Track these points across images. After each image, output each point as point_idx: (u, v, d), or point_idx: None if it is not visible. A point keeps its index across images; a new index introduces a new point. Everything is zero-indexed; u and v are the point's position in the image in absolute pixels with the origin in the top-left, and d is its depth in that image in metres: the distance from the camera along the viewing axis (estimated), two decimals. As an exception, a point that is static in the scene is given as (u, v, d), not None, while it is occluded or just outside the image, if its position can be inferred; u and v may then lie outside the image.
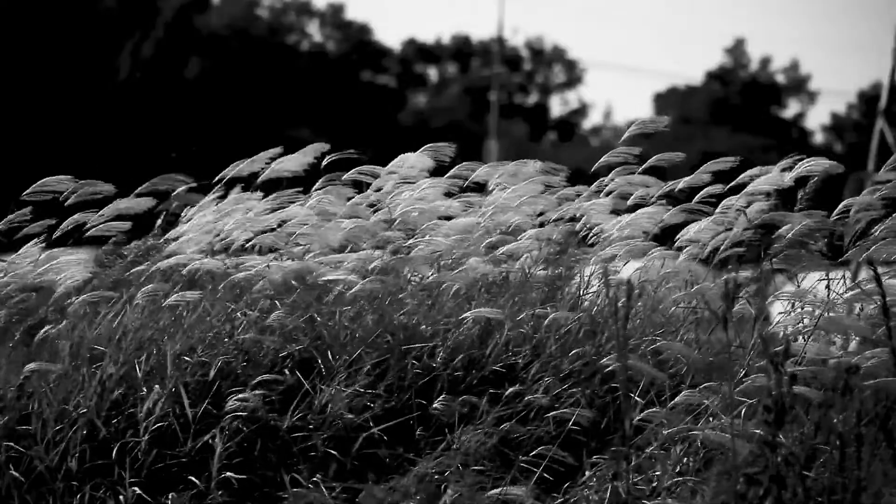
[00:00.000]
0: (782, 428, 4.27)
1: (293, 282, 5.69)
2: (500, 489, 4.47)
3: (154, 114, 41.98)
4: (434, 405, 5.14)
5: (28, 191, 5.73)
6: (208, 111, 43.31)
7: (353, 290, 5.50)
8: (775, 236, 5.72)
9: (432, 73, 54.36)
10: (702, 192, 6.21)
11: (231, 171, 6.36)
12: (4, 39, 41.08)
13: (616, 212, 6.34)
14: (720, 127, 51.51)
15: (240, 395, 5.06)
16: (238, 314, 5.50)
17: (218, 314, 5.48)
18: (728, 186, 6.19)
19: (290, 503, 4.82)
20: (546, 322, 5.44)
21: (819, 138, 55.08)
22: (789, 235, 5.63)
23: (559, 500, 4.81)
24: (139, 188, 6.03)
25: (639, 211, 6.18)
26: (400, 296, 5.62)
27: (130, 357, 5.20)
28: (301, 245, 5.96)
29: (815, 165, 5.98)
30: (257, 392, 5.07)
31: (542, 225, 6.36)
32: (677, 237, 6.13)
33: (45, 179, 5.74)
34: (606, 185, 6.42)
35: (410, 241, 6.04)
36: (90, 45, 42.91)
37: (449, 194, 6.41)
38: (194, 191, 6.37)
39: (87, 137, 38.97)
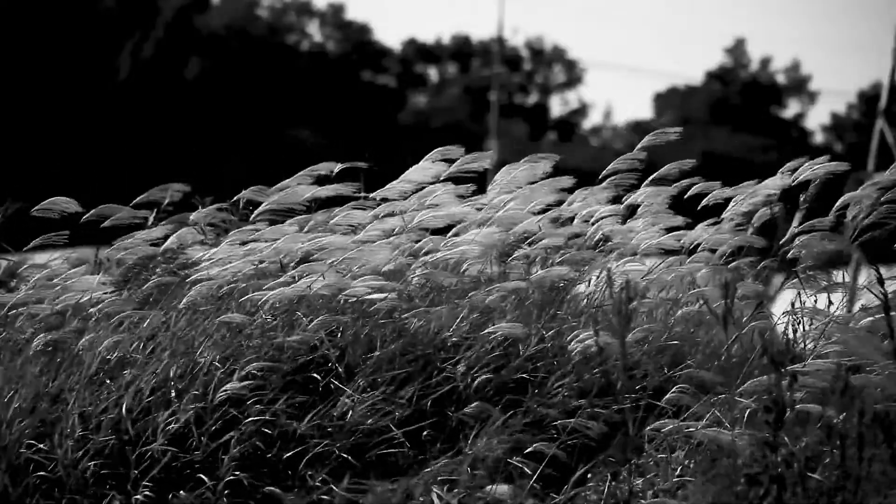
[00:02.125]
0: (782, 428, 4.28)
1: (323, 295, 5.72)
2: (492, 486, 4.47)
3: (154, 114, 41.98)
4: (465, 410, 5.18)
5: (37, 207, 5.91)
6: (208, 111, 43.31)
7: (381, 302, 5.56)
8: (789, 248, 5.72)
9: (432, 73, 54.41)
10: (708, 197, 6.24)
11: (248, 194, 6.41)
12: (4, 39, 41.08)
13: (625, 218, 6.37)
14: (720, 127, 51.50)
15: (228, 385, 5.11)
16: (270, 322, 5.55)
17: (252, 328, 5.52)
18: (728, 193, 6.22)
19: (293, 502, 4.84)
20: (568, 339, 5.48)
21: (819, 138, 55.10)
22: (809, 253, 5.66)
23: (558, 500, 4.81)
24: (136, 199, 6.14)
25: (667, 232, 6.18)
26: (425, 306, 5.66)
27: (166, 364, 5.26)
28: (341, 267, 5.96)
29: (818, 168, 5.99)
30: (246, 383, 5.12)
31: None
32: (683, 240, 6.15)
33: (54, 199, 5.93)
34: (625, 198, 6.43)
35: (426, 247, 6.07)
36: (90, 45, 42.91)
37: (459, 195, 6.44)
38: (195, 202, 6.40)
39: (88, 137, 38.96)
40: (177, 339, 5.39)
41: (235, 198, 6.46)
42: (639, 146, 6.37)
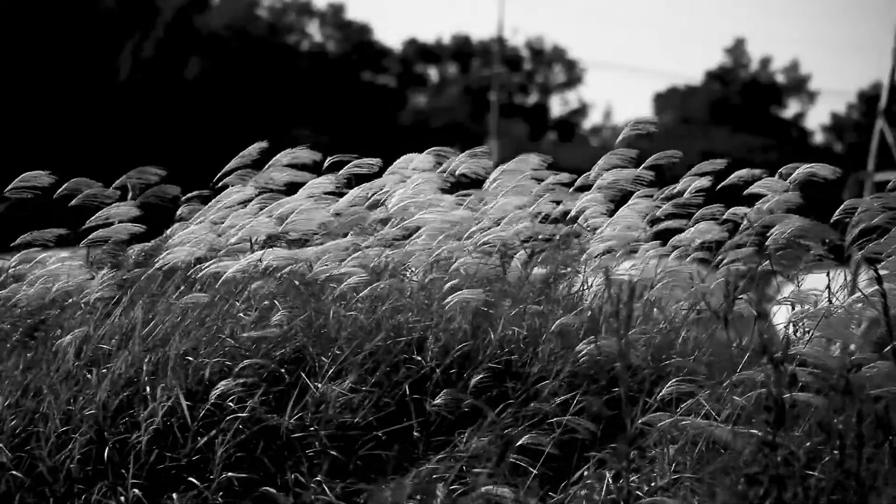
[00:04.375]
0: (782, 428, 4.27)
1: (295, 282, 5.70)
2: (492, 485, 4.46)
3: (154, 114, 41.97)
4: (434, 402, 5.13)
5: (9, 187, 5.83)
6: (208, 111, 43.31)
7: (349, 283, 5.51)
8: (769, 235, 5.73)
9: (432, 73, 54.42)
10: (690, 188, 6.24)
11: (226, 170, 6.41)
12: (4, 40, 41.07)
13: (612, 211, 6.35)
14: (720, 127, 51.53)
15: (222, 382, 5.07)
16: (240, 314, 5.50)
17: (218, 314, 5.48)
18: (719, 186, 6.22)
19: (291, 503, 4.83)
20: (552, 327, 5.44)
21: (819, 138, 55.13)
22: (784, 235, 5.64)
23: (556, 499, 4.80)
24: (115, 183, 6.10)
25: (628, 204, 6.19)
26: (389, 291, 5.61)
27: (138, 358, 5.21)
28: (292, 231, 5.96)
29: (815, 170, 6.00)
30: (241, 380, 5.08)
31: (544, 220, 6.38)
32: (678, 238, 6.15)
33: (24, 175, 5.85)
34: (596, 180, 6.40)
35: (403, 225, 6.04)
36: (90, 45, 42.91)
37: (444, 190, 6.42)
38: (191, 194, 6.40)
39: (89, 137, 38.96)
40: (148, 329, 5.33)
41: (219, 179, 6.44)
42: (620, 137, 6.35)
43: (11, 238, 5.93)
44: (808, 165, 6.02)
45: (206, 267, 5.66)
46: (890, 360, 4.61)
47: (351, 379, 5.20)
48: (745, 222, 6.02)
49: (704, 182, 6.26)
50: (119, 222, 6.00)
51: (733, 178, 6.19)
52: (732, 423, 4.59)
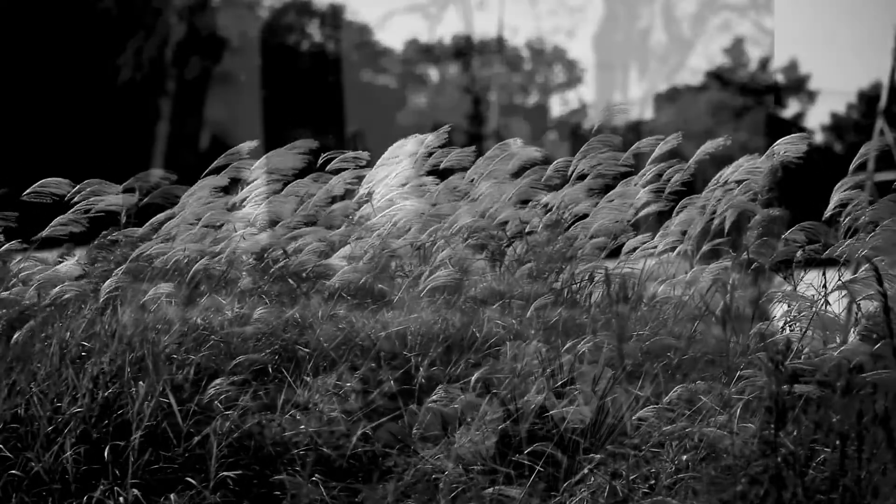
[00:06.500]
0: (783, 428, 4.27)
1: (289, 280, 5.70)
2: (496, 488, 4.45)
3: (155, 114, 41.95)
4: (432, 398, 5.13)
5: (28, 191, 5.86)
6: (208, 111, 43.29)
7: (339, 278, 5.52)
8: (750, 227, 5.74)
9: (432, 73, 54.48)
10: (674, 179, 6.26)
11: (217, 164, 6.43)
12: (5, 40, 41.06)
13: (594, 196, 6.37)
14: (720, 126, 51.49)
15: (215, 382, 5.06)
16: (227, 311, 5.51)
17: (203, 309, 5.49)
18: (691, 161, 6.24)
19: (289, 503, 4.82)
20: (529, 314, 5.44)
21: (819, 138, 55.13)
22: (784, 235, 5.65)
23: (558, 499, 4.80)
24: (124, 183, 6.14)
25: (612, 193, 6.21)
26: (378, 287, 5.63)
27: (121, 355, 5.20)
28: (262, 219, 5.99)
29: (789, 146, 6.00)
30: (235, 378, 5.08)
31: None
32: (665, 225, 6.17)
33: (44, 180, 5.88)
34: (579, 169, 6.42)
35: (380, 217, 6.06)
36: (91, 45, 42.90)
37: (429, 172, 6.45)
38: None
39: (90, 138, 38.96)
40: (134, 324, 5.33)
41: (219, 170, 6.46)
42: (596, 126, 6.37)
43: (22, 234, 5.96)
44: (784, 143, 6.02)
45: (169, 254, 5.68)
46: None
47: (338, 372, 5.21)
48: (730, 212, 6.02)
49: (686, 176, 6.27)
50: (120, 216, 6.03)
51: (700, 153, 6.21)
52: (731, 419, 4.59)
